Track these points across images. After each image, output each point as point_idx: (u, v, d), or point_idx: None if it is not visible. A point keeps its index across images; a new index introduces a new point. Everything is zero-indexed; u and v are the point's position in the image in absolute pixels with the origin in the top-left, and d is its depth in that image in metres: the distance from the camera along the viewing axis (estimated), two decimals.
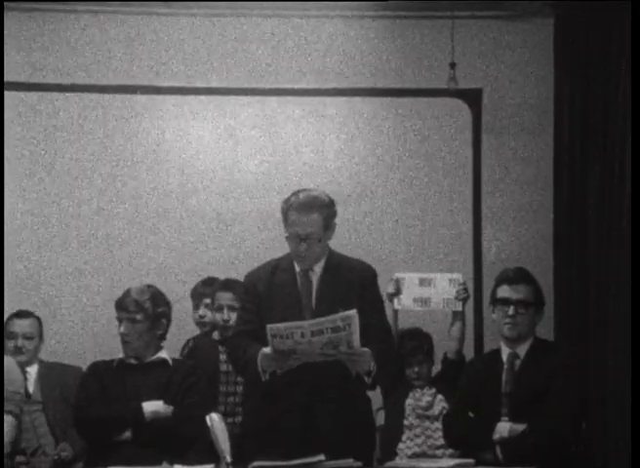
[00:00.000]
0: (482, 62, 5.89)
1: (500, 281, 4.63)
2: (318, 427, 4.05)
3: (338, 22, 5.88)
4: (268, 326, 3.91)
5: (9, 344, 5.13)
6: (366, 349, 3.98)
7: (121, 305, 4.64)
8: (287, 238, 4.15)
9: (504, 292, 4.57)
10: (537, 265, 5.40)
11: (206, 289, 5.33)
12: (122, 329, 4.61)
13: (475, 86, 5.86)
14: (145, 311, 4.63)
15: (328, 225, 4.15)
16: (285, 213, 4.14)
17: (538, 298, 4.61)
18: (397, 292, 5.02)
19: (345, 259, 4.26)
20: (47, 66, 5.82)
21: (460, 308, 5.04)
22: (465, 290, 5.05)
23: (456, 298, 5.03)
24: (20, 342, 5.12)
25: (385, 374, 4.30)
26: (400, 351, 4.86)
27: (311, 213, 4.10)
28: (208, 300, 5.27)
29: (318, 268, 4.18)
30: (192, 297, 5.40)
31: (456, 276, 5.07)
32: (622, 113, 5.04)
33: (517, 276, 4.60)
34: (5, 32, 5.57)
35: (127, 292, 4.67)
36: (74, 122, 5.85)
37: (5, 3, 5.34)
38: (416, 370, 4.92)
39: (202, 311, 5.33)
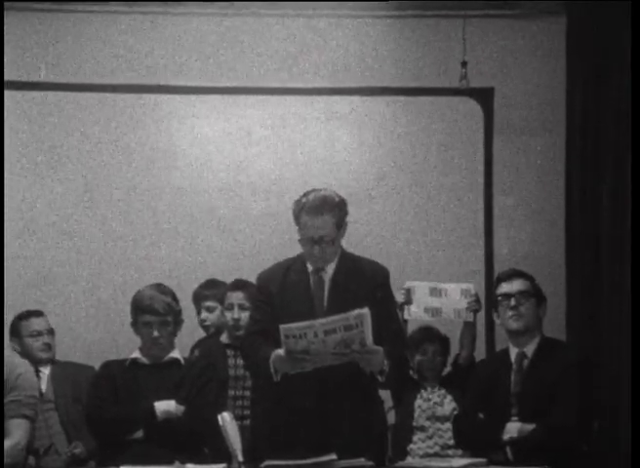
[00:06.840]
0: (494, 61, 5.88)
1: (498, 281, 4.70)
2: (330, 427, 4.04)
3: (349, 22, 5.87)
4: (281, 326, 3.89)
5: (36, 343, 5.17)
6: (379, 347, 3.96)
7: (149, 309, 4.59)
8: (300, 241, 4.13)
9: (503, 288, 4.63)
10: (549, 266, 5.44)
11: (205, 291, 5.27)
12: (155, 332, 4.58)
13: (487, 85, 5.86)
14: (173, 311, 4.63)
15: (340, 225, 4.12)
16: (297, 215, 4.11)
17: (536, 291, 4.63)
18: (408, 302, 4.95)
19: (358, 259, 4.24)
20: (48, 66, 5.81)
21: (471, 319, 4.98)
22: (477, 301, 4.99)
23: (467, 309, 4.97)
24: (46, 339, 5.17)
25: (396, 374, 4.30)
26: (413, 349, 4.89)
27: (323, 214, 4.06)
28: (208, 303, 5.23)
29: (330, 268, 4.16)
30: (194, 301, 5.29)
31: (467, 286, 5.00)
32: (635, 112, 5.03)
33: (512, 273, 4.67)
34: (5, 32, 5.57)
35: (149, 295, 4.62)
36: (84, 121, 5.85)
37: (5, 3, 5.32)
38: (430, 369, 4.93)
39: (203, 315, 5.25)
